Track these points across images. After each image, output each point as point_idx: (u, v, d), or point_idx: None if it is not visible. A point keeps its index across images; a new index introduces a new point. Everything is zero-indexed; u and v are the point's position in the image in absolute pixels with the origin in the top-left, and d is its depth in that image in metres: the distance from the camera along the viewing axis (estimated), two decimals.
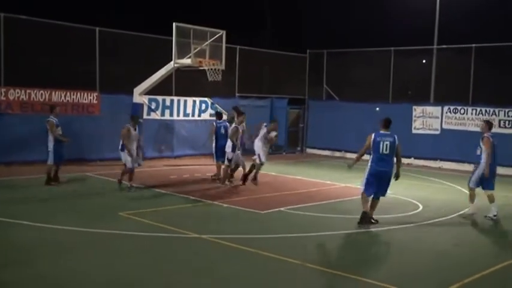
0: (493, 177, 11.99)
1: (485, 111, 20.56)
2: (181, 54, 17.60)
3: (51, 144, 14.15)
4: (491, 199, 11.87)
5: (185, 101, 21.00)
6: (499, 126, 19.97)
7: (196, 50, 17.54)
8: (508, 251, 9.35)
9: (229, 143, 14.69)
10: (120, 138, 13.99)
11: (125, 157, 13.82)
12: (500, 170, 18.93)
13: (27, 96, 17.23)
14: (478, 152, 11.98)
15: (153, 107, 20.01)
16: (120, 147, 13.98)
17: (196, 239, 9.45)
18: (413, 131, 22.14)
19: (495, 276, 8.10)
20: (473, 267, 8.33)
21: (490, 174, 11.83)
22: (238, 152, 14.75)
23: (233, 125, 14.99)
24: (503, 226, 11.58)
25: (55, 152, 14.14)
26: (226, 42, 18.40)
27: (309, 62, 26.30)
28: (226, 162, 14.71)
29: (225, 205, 12.23)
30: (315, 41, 28.00)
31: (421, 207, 12.93)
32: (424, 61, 24.11)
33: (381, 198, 11.07)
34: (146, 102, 19.44)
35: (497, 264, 8.55)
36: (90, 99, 18.57)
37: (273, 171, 18.17)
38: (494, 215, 11.73)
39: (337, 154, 24.16)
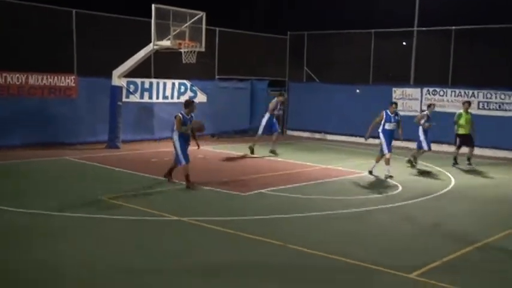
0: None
1: (464, 92, 20.68)
2: (161, 36, 17.40)
3: (178, 144, 12.28)
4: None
5: (164, 84, 20.81)
6: (478, 108, 20.12)
7: (175, 32, 17.34)
8: (486, 230, 9.45)
9: None
10: None
11: None
12: (480, 152, 19.24)
13: (3, 80, 16.92)
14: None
15: (131, 90, 19.81)
16: None
17: (178, 222, 9.41)
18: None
19: (474, 254, 8.20)
20: (453, 246, 8.41)
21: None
22: None
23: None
24: (480, 206, 11.70)
25: (183, 151, 12.24)
26: (206, 24, 18.21)
27: (290, 44, 26.19)
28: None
29: (206, 187, 12.19)
30: (296, 22, 27.87)
31: (400, 187, 13.01)
32: (404, 43, 24.15)
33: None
34: (125, 85, 19.22)
35: (475, 243, 8.65)
36: (68, 82, 18.31)
37: (254, 153, 18.14)
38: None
39: (318, 136, 24.20)
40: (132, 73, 18.85)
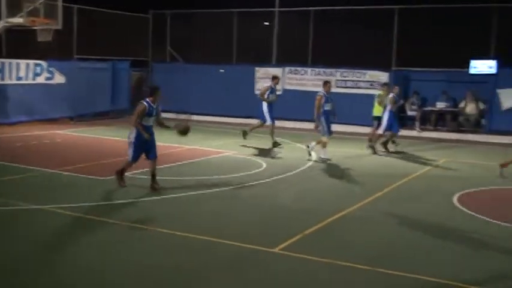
0: None
1: (323, 72, 21.51)
2: (12, 13, 16.34)
3: (132, 135, 10.37)
4: None
5: (18, 64, 19.50)
6: (336, 86, 21.03)
7: (29, 9, 16.39)
8: (344, 201, 9.88)
9: None
10: None
11: None
12: (339, 128, 20.08)
13: None
14: None
15: None
16: None
17: (38, 211, 8.84)
18: (256, 92, 22.56)
19: (333, 226, 8.55)
20: (314, 219, 8.68)
21: None
22: None
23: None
24: (339, 180, 12.23)
25: (135, 147, 10.42)
26: (63, 1, 17.36)
27: (152, 23, 25.68)
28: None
29: (65, 173, 11.63)
30: (158, 1, 27.35)
31: (264, 165, 13.25)
32: (266, 23, 24.57)
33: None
34: None
35: (335, 214, 9.01)
36: None
37: (114, 135, 17.63)
38: None
39: (183, 116, 23.97)
40: None
